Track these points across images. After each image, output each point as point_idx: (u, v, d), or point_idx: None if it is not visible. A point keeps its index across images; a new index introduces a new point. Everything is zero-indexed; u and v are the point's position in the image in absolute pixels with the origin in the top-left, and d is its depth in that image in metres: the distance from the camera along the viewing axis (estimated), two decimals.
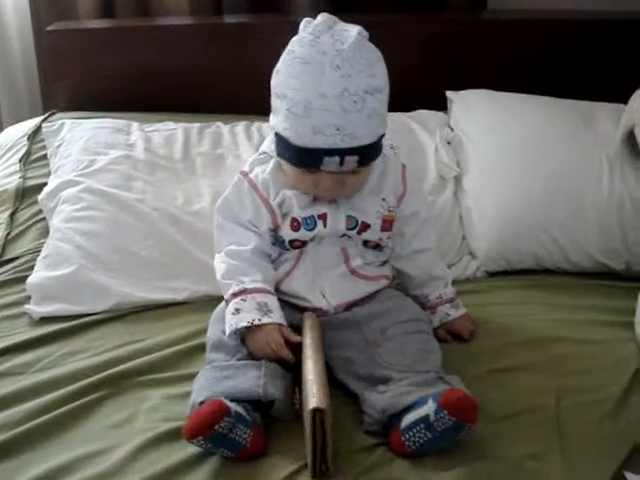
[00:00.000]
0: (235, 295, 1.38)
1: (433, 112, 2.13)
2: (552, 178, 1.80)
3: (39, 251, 1.71)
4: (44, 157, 2.05)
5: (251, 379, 1.28)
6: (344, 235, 1.46)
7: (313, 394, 1.18)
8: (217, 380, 1.28)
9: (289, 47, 1.38)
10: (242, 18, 2.38)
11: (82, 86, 2.29)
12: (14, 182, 1.97)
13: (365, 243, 1.49)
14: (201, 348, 1.46)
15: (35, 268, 1.66)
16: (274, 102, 1.41)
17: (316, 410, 1.15)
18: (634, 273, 1.77)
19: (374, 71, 1.34)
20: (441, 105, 2.17)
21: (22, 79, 2.54)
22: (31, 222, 1.86)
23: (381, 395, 1.29)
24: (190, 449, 1.21)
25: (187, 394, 1.32)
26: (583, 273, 1.79)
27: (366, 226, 1.45)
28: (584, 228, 1.77)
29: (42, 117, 2.24)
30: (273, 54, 2.24)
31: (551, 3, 2.38)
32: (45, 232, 1.79)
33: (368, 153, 1.37)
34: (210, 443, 1.18)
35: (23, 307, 1.58)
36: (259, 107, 2.19)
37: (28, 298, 1.60)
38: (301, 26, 1.39)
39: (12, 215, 1.88)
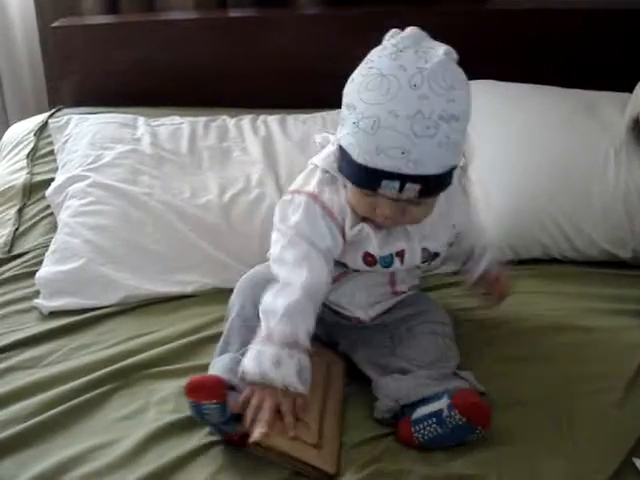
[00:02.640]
0: (283, 343, 1.23)
1: None
2: (558, 167, 1.80)
3: (47, 246, 1.71)
4: (51, 153, 2.06)
5: None
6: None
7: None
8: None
9: (369, 56, 1.25)
10: (247, 12, 2.38)
11: (88, 82, 2.30)
12: (21, 178, 1.98)
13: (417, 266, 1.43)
14: (209, 340, 1.47)
15: (44, 263, 1.66)
16: (343, 112, 1.27)
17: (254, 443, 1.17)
18: None
19: (454, 96, 1.19)
20: None
21: (28, 75, 2.55)
22: (39, 217, 1.87)
23: (397, 383, 1.29)
24: (199, 440, 1.23)
25: None
26: (590, 262, 1.78)
27: (436, 255, 1.40)
28: (591, 217, 1.77)
29: (48, 113, 2.25)
30: (278, 47, 2.28)
31: None
32: (53, 227, 1.80)
33: (432, 185, 1.23)
34: (212, 411, 1.18)
35: (32, 301, 1.58)
36: (265, 100, 2.23)
37: (37, 293, 1.61)
38: (386, 36, 1.26)
39: (20, 211, 1.88)
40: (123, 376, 1.39)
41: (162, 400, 1.33)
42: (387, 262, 1.34)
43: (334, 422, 1.27)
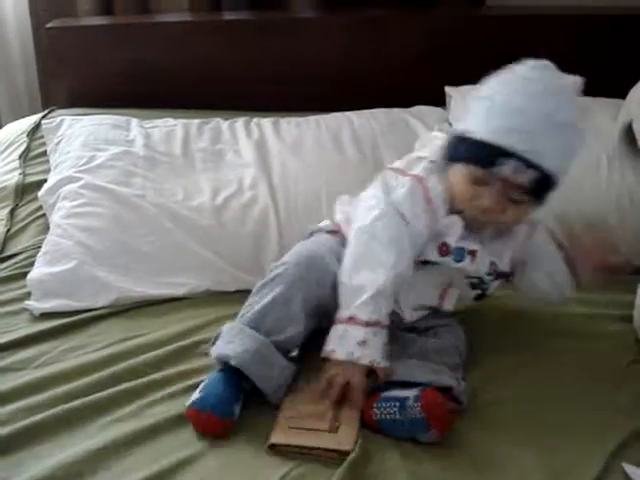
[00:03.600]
0: (368, 324, 1.29)
1: (432, 108, 2.14)
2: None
3: (39, 247, 1.71)
4: (44, 154, 2.05)
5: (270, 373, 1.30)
6: (477, 278, 1.42)
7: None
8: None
9: (507, 68, 1.38)
10: (241, 15, 2.39)
11: (81, 83, 2.30)
12: (14, 179, 1.97)
13: (473, 286, 1.44)
14: (202, 343, 1.47)
15: (35, 264, 1.66)
16: (471, 105, 1.37)
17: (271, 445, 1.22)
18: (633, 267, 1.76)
19: (578, 124, 1.35)
20: (440, 101, 2.17)
21: (21, 76, 2.55)
22: (31, 218, 1.86)
23: (393, 361, 1.32)
24: (193, 443, 1.23)
25: (188, 389, 1.33)
26: None
27: (502, 275, 1.44)
28: (583, 223, 1.77)
29: (41, 114, 2.25)
30: (272, 51, 2.28)
31: None
32: (45, 228, 1.79)
33: (541, 181, 1.30)
34: None
35: (24, 303, 1.58)
36: (259, 103, 2.23)
37: (29, 294, 1.60)
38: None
39: (12, 212, 1.88)
40: (115, 379, 1.37)
41: (154, 403, 1.32)
42: (459, 256, 1.37)
43: (351, 415, 1.28)
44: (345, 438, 1.23)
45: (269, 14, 2.39)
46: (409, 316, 1.44)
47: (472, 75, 2.13)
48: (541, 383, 1.40)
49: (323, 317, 1.36)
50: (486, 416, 1.31)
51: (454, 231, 1.36)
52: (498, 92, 1.32)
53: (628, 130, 1.81)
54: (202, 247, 1.68)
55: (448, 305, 1.46)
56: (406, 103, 2.16)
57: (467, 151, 1.33)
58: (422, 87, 2.18)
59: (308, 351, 1.40)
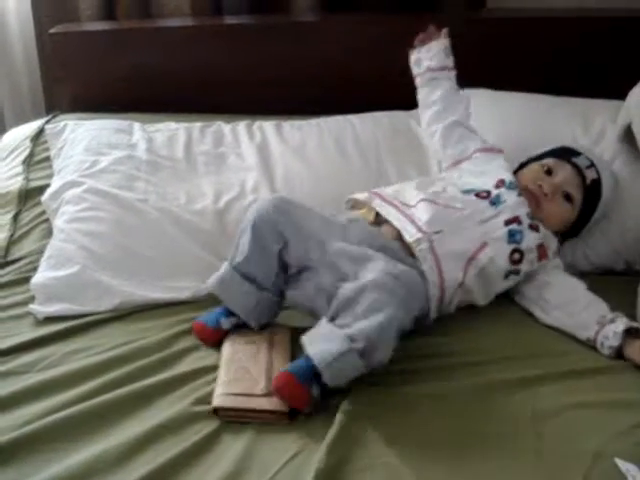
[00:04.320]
0: None
1: None
2: None
3: (43, 252, 1.72)
4: (47, 159, 2.06)
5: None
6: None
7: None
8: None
9: None
10: (243, 19, 2.39)
11: (84, 88, 2.31)
12: (17, 184, 1.98)
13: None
14: (204, 345, 1.50)
15: (39, 268, 1.67)
16: None
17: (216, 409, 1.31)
18: (634, 271, 1.76)
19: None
20: None
21: (25, 81, 2.56)
22: (35, 223, 1.87)
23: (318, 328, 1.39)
24: (195, 441, 1.24)
25: (192, 391, 1.36)
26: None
27: (520, 260, 1.61)
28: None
29: (45, 119, 2.25)
30: (274, 54, 2.29)
31: (550, 2, 2.39)
32: (49, 233, 1.80)
33: (596, 187, 1.69)
34: None
35: (27, 307, 1.59)
36: (260, 107, 2.23)
37: (32, 298, 1.61)
38: None
39: (16, 216, 1.88)
40: (118, 382, 1.38)
41: (157, 406, 1.33)
42: (497, 200, 1.62)
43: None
44: (278, 400, 1.31)
45: (270, 18, 2.39)
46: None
47: (473, 77, 2.17)
48: None
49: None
50: None
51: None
52: None
53: (627, 132, 1.81)
54: (204, 251, 1.69)
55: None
56: (408, 106, 2.16)
57: (550, 151, 1.73)
58: None
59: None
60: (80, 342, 1.51)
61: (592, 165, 1.69)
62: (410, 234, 1.54)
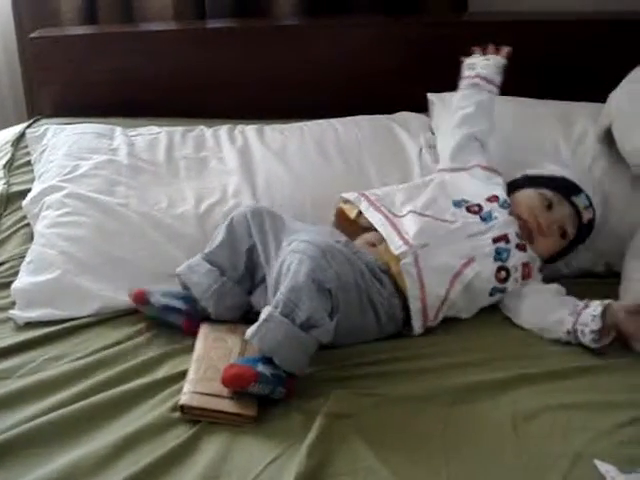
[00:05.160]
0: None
1: (415, 114, 2.15)
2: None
3: (24, 257, 1.71)
4: (28, 163, 2.05)
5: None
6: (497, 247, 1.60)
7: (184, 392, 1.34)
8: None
9: None
10: (225, 22, 2.39)
11: (66, 92, 2.30)
12: None
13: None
14: (184, 350, 1.49)
15: (20, 273, 1.66)
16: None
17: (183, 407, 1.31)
18: (613, 273, 1.76)
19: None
20: (424, 107, 2.18)
21: (6, 86, 2.55)
22: (15, 228, 1.86)
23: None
24: (173, 446, 1.24)
25: (174, 393, 1.36)
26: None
27: (501, 291, 1.62)
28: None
29: (26, 123, 2.25)
30: (256, 58, 2.29)
31: (531, 5, 2.40)
32: (29, 238, 1.79)
33: (586, 227, 1.69)
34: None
35: (8, 312, 1.58)
36: (244, 111, 2.23)
37: (13, 303, 1.60)
38: None
39: None
40: (99, 387, 1.38)
41: (139, 410, 1.33)
42: (489, 217, 1.62)
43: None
44: (247, 404, 1.32)
45: (253, 22, 2.39)
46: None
47: (455, 81, 2.17)
48: None
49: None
50: None
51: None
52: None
53: (608, 134, 1.82)
54: (186, 255, 1.68)
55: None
56: (390, 109, 2.17)
57: (546, 180, 1.69)
58: (405, 93, 2.19)
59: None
60: (61, 347, 1.51)
61: (590, 205, 1.69)
62: (395, 245, 1.55)
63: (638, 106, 1.77)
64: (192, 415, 1.31)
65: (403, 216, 1.62)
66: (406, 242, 1.55)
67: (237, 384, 1.32)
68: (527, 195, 1.69)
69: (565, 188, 1.69)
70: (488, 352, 1.51)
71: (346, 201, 1.72)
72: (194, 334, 1.51)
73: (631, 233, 1.72)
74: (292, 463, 1.20)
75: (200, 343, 1.49)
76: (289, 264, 1.38)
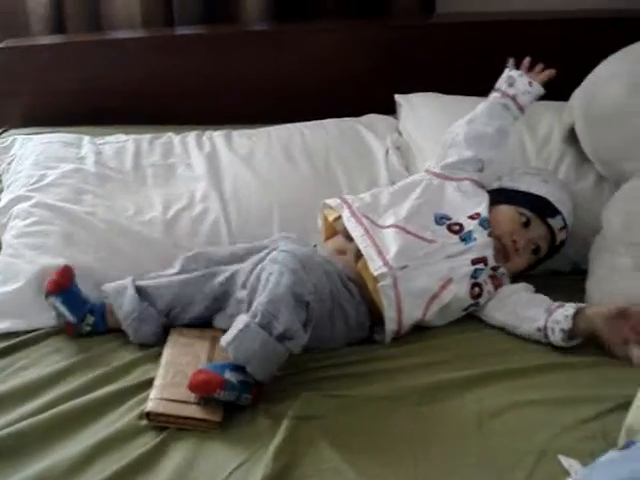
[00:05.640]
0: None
1: (383, 116, 2.16)
2: (497, 179, 1.81)
3: None
4: None
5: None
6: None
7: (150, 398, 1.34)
8: None
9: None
10: (194, 29, 2.39)
11: (35, 102, 2.29)
12: None
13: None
14: (152, 357, 1.49)
15: None
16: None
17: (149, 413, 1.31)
18: (581, 271, 1.76)
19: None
20: (393, 109, 2.19)
21: None
22: None
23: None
24: (141, 453, 1.24)
25: (137, 404, 1.36)
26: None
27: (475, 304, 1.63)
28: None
29: None
30: (225, 64, 2.29)
31: (498, 6, 2.42)
32: None
33: (558, 246, 1.71)
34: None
35: None
36: (212, 117, 2.23)
37: None
38: None
39: None
40: (66, 396, 1.38)
41: (107, 417, 1.33)
42: (468, 237, 1.61)
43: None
44: (212, 409, 1.32)
45: (222, 28, 2.39)
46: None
47: (423, 82, 2.19)
48: None
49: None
50: None
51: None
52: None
53: (571, 132, 1.84)
54: (153, 261, 1.68)
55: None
56: (359, 113, 2.18)
57: (525, 198, 1.69)
58: (375, 96, 2.21)
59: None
60: (29, 357, 1.50)
61: (565, 226, 1.70)
62: (375, 265, 1.53)
63: (599, 104, 1.78)
64: (158, 422, 1.31)
65: (385, 228, 1.61)
66: (386, 263, 1.53)
67: (204, 390, 1.32)
68: (505, 213, 1.68)
69: (542, 209, 1.68)
70: (455, 350, 1.52)
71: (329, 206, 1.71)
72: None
73: (596, 231, 1.73)
74: (258, 467, 1.20)
75: (169, 349, 1.49)
76: (268, 274, 1.39)
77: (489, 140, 1.73)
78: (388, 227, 1.61)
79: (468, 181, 1.72)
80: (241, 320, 1.37)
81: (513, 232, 1.65)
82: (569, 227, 1.71)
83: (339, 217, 1.66)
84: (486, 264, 1.59)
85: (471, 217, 1.64)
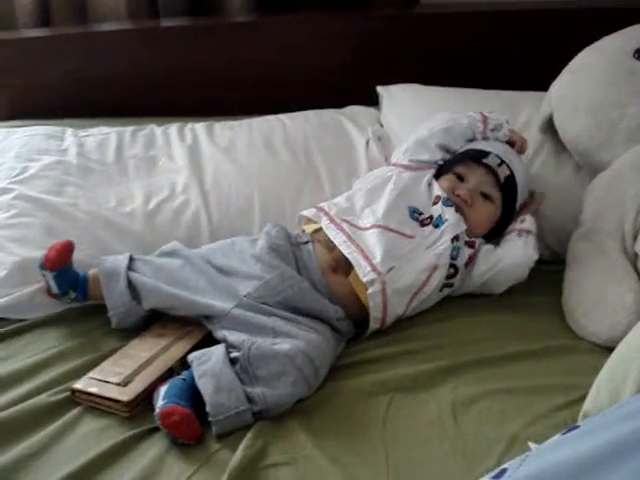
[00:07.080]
0: None
1: (364, 108, 2.17)
2: None
3: None
4: None
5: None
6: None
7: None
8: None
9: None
10: (179, 21, 2.39)
11: (20, 95, 2.30)
12: None
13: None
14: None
15: None
16: None
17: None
18: (560, 261, 1.75)
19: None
20: (376, 100, 2.20)
21: None
22: None
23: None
24: (111, 445, 1.25)
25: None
26: None
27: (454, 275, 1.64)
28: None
29: None
30: (209, 56, 2.30)
31: None
32: None
33: (511, 182, 1.69)
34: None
35: None
36: (197, 109, 2.24)
37: None
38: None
39: None
40: (47, 385, 1.39)
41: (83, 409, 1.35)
42: (440, 222, 1.63)
43: (153, 372, 1.40)
44: (128, 391, 1.34)
45: (206, 19, 2.39)
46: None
47: (405, 73, 2.19)
48: None
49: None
50: None
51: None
52: None
53: (549, 123, 1.85)
54: (135, 252, 1.69)
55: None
56: (342, 104, 2.19)
57: (454, 159, 1.73)
58: (357, 87, 2.21)
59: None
60: (9, 348, 1.51)
61: (502, 162, 1.69)
62: (364, 272, 1.52)
63: (577, 94, 1.79)
64: (81, 400, 1.35)
65: (366, 229, 1.60)
66: (374, 268, 1.52)
67: (182, 433, 1.28)
68: (444, 179, 1.70)
69: (471, 155, 1.71)
70: (429, 340, 1.53)
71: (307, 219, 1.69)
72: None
73: (576, 220, 1.73)
74: (228, 459, 1.21)
75: (136, 340, 1.50)
76: (281, 371, 1.34)
77: (460, 144, 1.78)
78: (370, 228, 1.60)
79: (433, 169, 1.74)
80: (237, 395, 1.31)
81: (453, 189, 1.66)
82: (513, 170, 1.69)
83: (319, 229, 1.64)
84: (458, 240, 1.61)
85: (434, 203, 1.65)
